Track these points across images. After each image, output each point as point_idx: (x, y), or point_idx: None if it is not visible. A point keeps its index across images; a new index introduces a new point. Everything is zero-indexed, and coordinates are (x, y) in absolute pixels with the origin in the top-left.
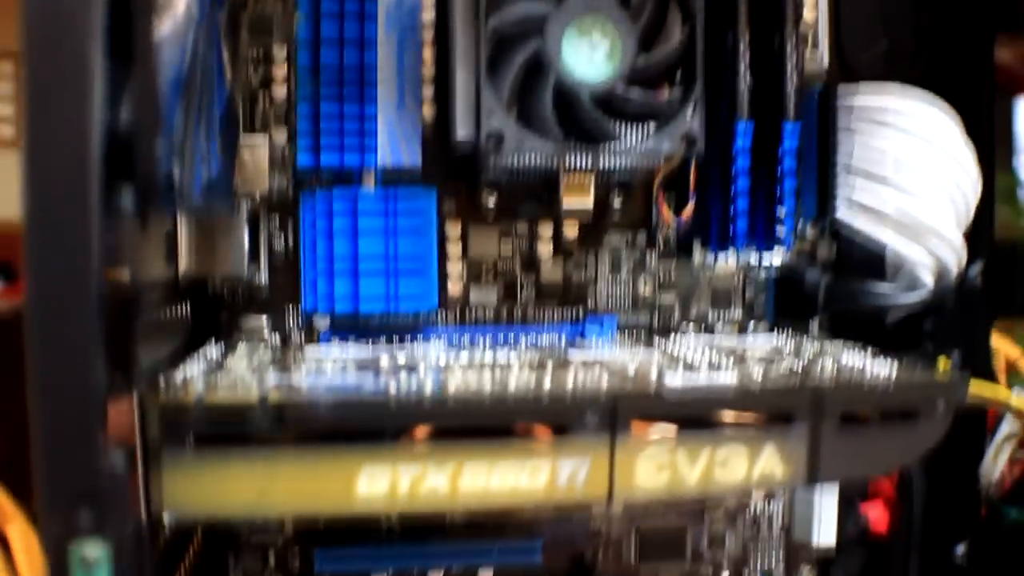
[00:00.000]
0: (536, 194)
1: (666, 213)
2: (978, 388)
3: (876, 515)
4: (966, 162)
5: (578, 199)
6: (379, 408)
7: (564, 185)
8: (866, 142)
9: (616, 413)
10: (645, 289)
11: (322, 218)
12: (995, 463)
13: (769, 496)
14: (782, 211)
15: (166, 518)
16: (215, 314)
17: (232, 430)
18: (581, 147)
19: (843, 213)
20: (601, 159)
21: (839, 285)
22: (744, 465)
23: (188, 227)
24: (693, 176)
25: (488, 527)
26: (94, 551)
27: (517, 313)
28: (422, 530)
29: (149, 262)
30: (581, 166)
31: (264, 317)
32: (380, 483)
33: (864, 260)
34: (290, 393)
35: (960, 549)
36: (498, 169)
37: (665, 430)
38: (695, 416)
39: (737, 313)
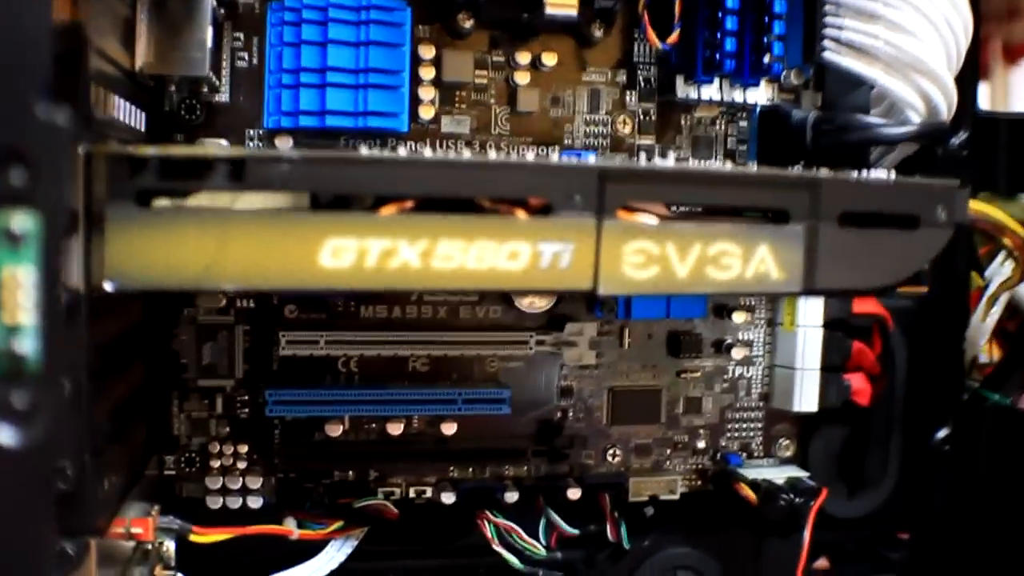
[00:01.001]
0: (515, 20)
1: (652, 35)
2: (978, 205)
3: (859, 385)
4: (959, 1)
5: (562, 4)
6: (350, 167)
7: None
8: None
9: (604, 190)
10: (624, 129)
11: (290, 27)
12: (984, 320)
13: (747, 362)
14: (773, 35)
15: (107, 286)
16: (169, 135)
17: (187, 186)
18: None
19: (830, 55)
20: None
21: (826, 120)
22: (737, 264)
23: (148, 18)
24: (678, 5)
25: (453, 375)
26: (22, 223)
27: (491, 145)
28: (383, 375)
29: (102, 33)
30: None
31: (223, 141)
32: (346, 256)
33: (851, 109)
34: (256, 152)
35: (941, 433)
36: None
37: (653, 221)
38: (687, 199)
39: (718, 162)
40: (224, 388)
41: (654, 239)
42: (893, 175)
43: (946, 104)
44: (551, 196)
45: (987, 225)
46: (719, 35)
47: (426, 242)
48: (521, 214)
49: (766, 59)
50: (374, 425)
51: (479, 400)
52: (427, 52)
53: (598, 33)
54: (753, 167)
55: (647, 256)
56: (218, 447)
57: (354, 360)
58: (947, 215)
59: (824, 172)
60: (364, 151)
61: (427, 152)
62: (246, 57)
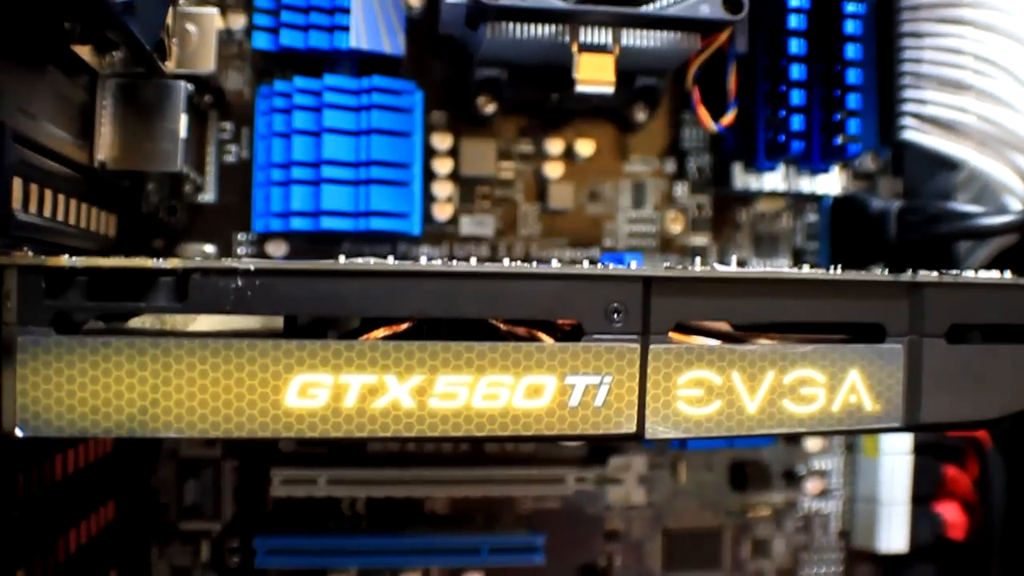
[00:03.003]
0: (544, 102)
1: (703, 114)
2: None
3: (952, 517)
4: None
5: (596, 80)
6: (320, 281)
7: (578, 64)
8: (938, 44)
9: (650, 304)
10: (674, 227)
11: (280, 114)
12: None
13: (824, 495)
14: (846, 111)
15: (17, 432)
16: (146, 240)
17: (119, 308)
18: (597, 13)
19: (912, 134)
20: (623, 33)
21: (913, 210)
22: (821, 394)
23: (112, 105)
24: (733, 80)
25: (477, 518)
26: None
27: (519, 249)
28: (395, 520)
29: (37, 119)
30: (598, 41)
31: (208, 246)
32: (319, 394)
33: (933, 196)
34: (201, 262)
35: None
36: (494, 49)
37: (712, 343)
38: (757, 314)
39: (784, 262)
40: (210, 532)
41: (715, 367)
42: (1006, 274)
43: None
44: (581, 314)
45: None
46: (783, 112)
47: (421, 376)
48: (545, 339)
49: (838, 139)
50: None
51: (508, 549)
52: (442, 142)
53: (641, 116)
54: (837, 271)
55: (707, 388)
56: None
57: (361, 502)
58: None
59: (926, 274)
60: (342, 260)
61: (423, 260)
62: (235, 151)
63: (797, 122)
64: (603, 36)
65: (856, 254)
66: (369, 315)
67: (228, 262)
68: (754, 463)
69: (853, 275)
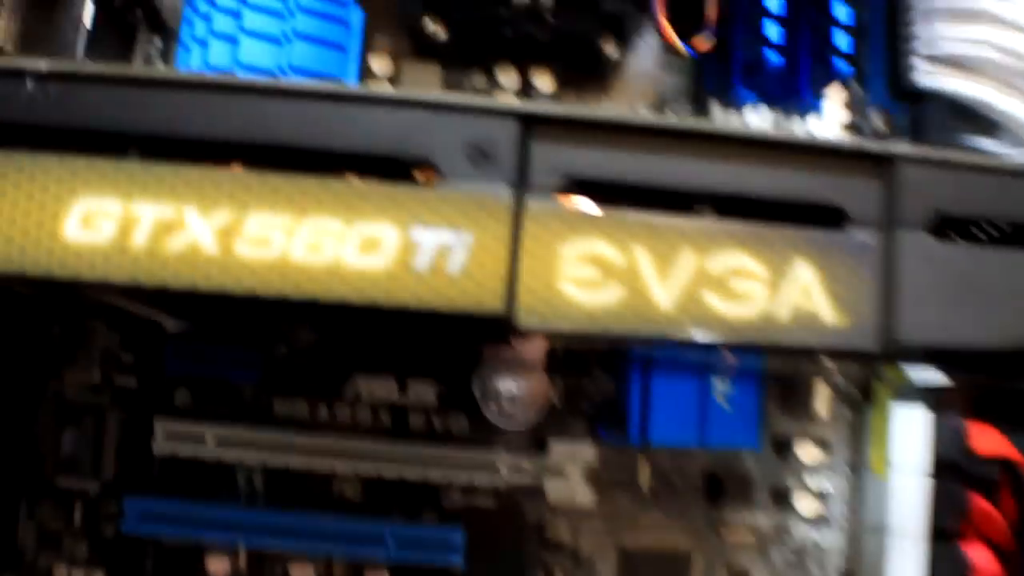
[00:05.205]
0: (497, 33)
1: (668, 31)
2: None
3: (982, 561)
4: None
5: None
6: (124, 89)
7: None
8: None
9: (528, 148)
10: None
11: (201, 19)
12: None
13: (822, 521)
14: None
15: None
16: None
17: None
18: None
19: (924, 78)
20: None
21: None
22: (760, 292)
23: None
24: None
25: (392, 508)
26: None
27: None
28: (297, 496)
29: None
30: None
31: None
32: (103, 225)
33: None
34: None
35: None
36: None
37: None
38: (678, 174)
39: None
40: (86, 492)
41: (614, 240)
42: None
43: None
44: (436, 153)
45: None
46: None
47: (228, 212)
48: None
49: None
50: (278, 567)
51: (418, 544)
52: (380, 65)
53: (613, 52)
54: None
55: (603, 267)
56: (67, 572)
57: (259, 471)
58: None
59: (905, 147)
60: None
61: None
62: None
63: (774, 58)
64: None
65: None
66: (176, 134)
67: (19, 62)
68: (734, 472)
69: (806, 138)
